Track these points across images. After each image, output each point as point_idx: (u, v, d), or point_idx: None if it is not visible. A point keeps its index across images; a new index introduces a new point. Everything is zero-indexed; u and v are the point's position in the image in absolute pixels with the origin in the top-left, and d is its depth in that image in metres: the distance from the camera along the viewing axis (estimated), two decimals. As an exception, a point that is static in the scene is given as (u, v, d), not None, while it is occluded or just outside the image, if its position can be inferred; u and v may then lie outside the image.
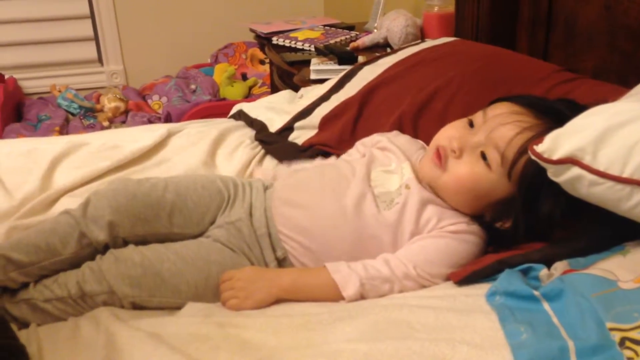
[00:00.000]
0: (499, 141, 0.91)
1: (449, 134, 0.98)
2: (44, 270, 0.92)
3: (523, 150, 0.89)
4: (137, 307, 0.90)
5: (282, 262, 0.98)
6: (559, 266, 0.83)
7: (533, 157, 0.84)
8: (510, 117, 0.93)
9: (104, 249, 0.95)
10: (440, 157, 0.96)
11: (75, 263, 0.93)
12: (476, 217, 0.96)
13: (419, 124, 1.20)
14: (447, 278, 0.91)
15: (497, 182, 0.92)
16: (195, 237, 1.00)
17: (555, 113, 0.92)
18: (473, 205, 0.95)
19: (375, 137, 1.14)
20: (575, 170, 0.80)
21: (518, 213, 0.91)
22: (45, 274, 0.93)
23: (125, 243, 0.97)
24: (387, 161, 1.05)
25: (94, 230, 0.94)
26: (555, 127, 0.85)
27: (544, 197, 0.89)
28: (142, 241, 0.97)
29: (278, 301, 0.91)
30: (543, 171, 0.86)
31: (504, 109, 0.95)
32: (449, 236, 0.94)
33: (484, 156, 0.93)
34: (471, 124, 0.97)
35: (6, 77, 2.74)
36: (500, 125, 0.92)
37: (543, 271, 0.84)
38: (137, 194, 0.97)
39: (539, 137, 0.86)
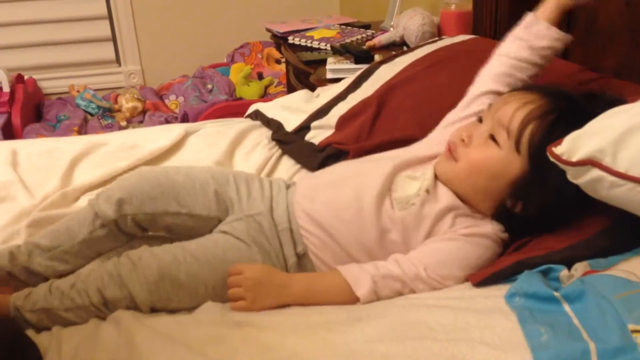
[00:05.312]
0: (503, 118, 0.94)
1: (458, 130, 1.01)
2: (67, 255, 0.98)
3: (527, 120, 0.91)
4: (155, 310, 0.90)
5: (301, 258, 0.98)
6: (580, 267, 0.82)
7: (552, 159, 0.84)
8: (513, 96, 0.97)
9: (117, 229, 1.00)
10: (451, 150, 0.98)
11: (92, 247, 0.99)
12: (497, 207, 0.95)
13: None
14: (461, 280, 0.91)
15: (508, 159, 0.92)
16: (207, 224, 1.01)
17: (562, 95, 0.93)
18: (490, 188, 0.94)
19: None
20: (595, 172, 0.79)
21: (531, 187, 0.90)
22: (67, 258, 0.98)
23: (134, 224, 1.00)
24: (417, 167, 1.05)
25: (104, 208, 1.00)
26: (560, 106, 0.90)
27: (555, 171, 0.85)
28: (152, 222, 1.01)
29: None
30: (550, 140, 0.86)
31: (508, 94, 0.99)
32: (462, 239, 0.93)
33: (493, 139, 0.94)
34: (480, 120, 1.00)
35: (25, 77, 2.76)
36: (504, 104, 0.95)
37: (563, 272, 0.83)
38: (148, 175, 1.03)
39: (540, 109, 0.90)
